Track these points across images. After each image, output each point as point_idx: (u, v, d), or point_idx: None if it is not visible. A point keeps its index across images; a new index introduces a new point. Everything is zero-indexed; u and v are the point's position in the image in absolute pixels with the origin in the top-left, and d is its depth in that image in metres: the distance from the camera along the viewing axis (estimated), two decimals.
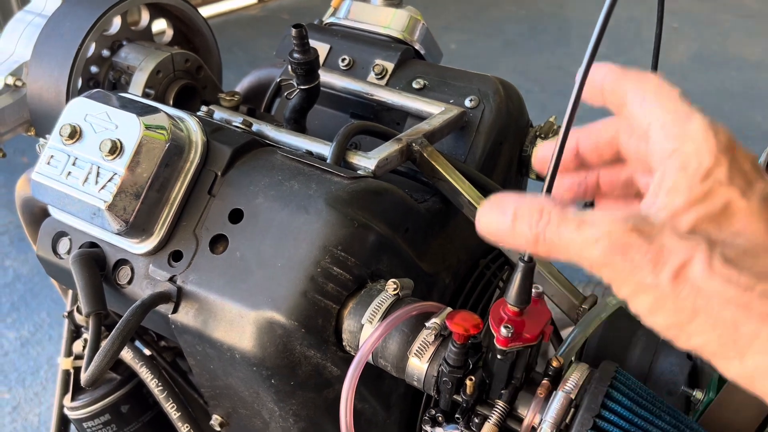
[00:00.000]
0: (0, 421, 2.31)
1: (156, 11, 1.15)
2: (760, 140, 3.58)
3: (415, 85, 1.05)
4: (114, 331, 0.75)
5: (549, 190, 0.53)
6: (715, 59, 4.40)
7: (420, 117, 1.00)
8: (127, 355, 0.97)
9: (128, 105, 0.81)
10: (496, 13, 5.12)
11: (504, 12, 5.15)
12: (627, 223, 0.45)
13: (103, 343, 0.77)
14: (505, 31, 4.84)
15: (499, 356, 0.66)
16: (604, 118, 0.59)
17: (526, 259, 0.62)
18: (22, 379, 2.45)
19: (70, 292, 1.10)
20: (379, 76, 1.07)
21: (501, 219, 0.49)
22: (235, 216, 0.80)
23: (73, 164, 0.80)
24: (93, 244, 0.86)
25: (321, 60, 1.09)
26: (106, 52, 1.11)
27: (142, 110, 0.80)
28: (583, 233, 0.46)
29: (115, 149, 0.78)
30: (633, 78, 0.53)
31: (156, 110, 0.81)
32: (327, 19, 1.18)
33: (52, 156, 0.81)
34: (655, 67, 0.96)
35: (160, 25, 1.18)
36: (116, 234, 0.81)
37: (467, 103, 1.01)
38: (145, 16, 1.15)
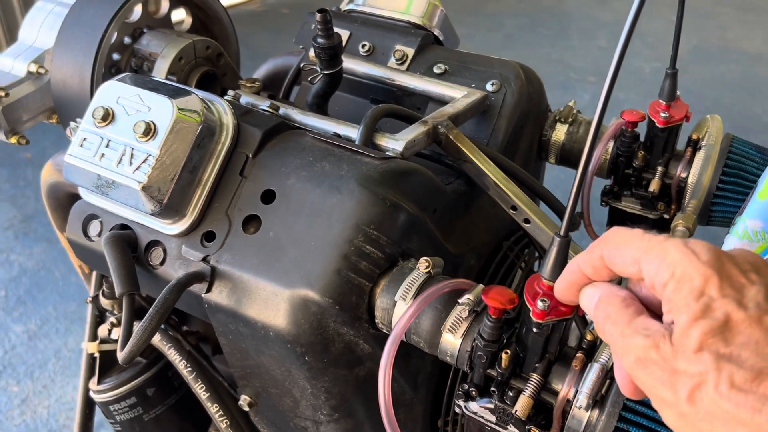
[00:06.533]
0: (9, 414, 2.32)
1: None
2: (760, 133, 3.59)
3: (436, 70, 1.06)
4: (152, 308, 0.76)
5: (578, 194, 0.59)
6: (714, 52, 4.42)
7: (442, 101, 1.01)
8: (155, 337, 0.98)
9: (160, 88, 0.82)
10: (496, 7, 5.12)
11: (504, 6, 5.15)
12: (648, 339, 0.49)
13: (137, 324, 0.78)
14: (505, 25, 4.85)
15: (534, 329, 0.67)
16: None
17: (561, 233, 0.63)
18: (30, 372, 2.46)
19: (94, 277, 1.10)
20: (400, 62, 1.08)
21: (590, 302, 0.56)
22: (268, 196, 0.81)
23: (107, 146, 0.81)
24: (124, 226, 0.87)
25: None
26: (127, 40, 1.12)
27: (174, 93, 0.81)
28: (624, 341, 0.51)
29: (149, 131, 0.79)
30: (598, 246, 0.55)
31: (188, 93, 0.82)
32: (345, 6, 1.19)
33: (84, 138, 0.82)
34: (675, 52, 0.97)
35: (179, 14, 1.19)
36: (150, 215, 0.82)
37: (489, 87, 1.02)
38: (165, 3, 1.16)
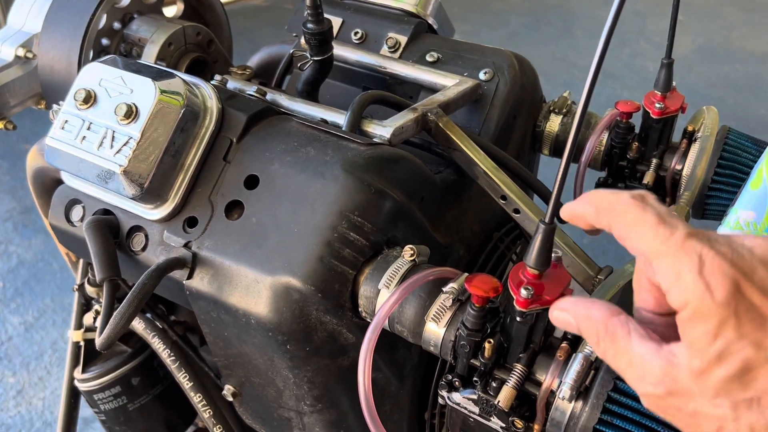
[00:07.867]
0: (5, 405, 2.31)
1: None
2: (763, 133, 3.56)
3: (428, 59, 1.04)
4: (130, 294, 0.74)
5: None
6: (719, 52, 4.39)
7: (434, 90, 1.00)
8: (138, 326, 0.97)
9: (143, 70, 0.81)
10: (501, 5, 5.10)
11: (508, 4, 5.13)
12: (661, 386, 0.47)
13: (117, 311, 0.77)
14: (510, 23, 4.83)
15: (518, 318, 0.66)
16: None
17: (546, 220, 0.61)
18: (26, 364, 2.45)
19: (81, 265, 1.09)
20: (392, 50, 1.06)
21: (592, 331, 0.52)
22: (251, 182, 0.80)
23: (88, 129, 0.79)
24: (106, 211, 0.85)
25: (334, 33, 1.08)
26: (117, 25, 1.10)
27: (157, 75, 0.80)
28: (634, 370, 0.49)
29: (131, 113, 0.77)
30: (607, 211, 0.52)
31: (171, 75, 0.81)
32: None
33: (66, 121, 0.81)
34: (671, 42, 0.96)
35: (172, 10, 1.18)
36: (131, 199, 0.80)
37: (482, 76, 1.00)
38: None
